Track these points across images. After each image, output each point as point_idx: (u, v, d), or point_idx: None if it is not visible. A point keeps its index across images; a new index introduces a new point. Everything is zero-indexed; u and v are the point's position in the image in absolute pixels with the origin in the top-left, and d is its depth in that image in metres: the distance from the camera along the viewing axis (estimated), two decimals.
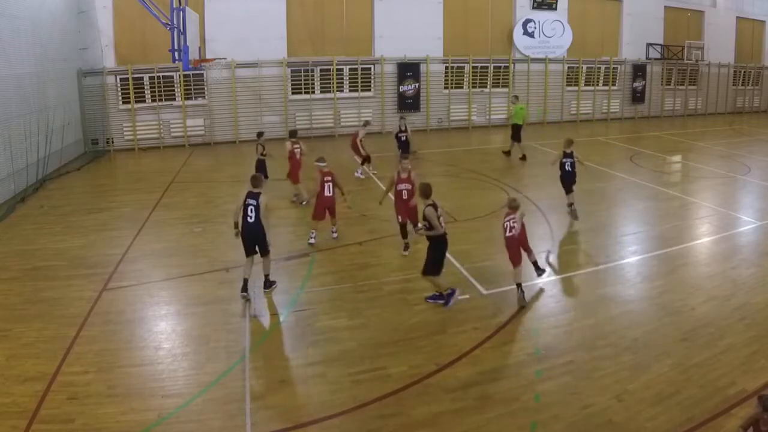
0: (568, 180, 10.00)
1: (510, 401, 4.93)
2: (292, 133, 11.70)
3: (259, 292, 7.11)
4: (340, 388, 5.13)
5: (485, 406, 4.86)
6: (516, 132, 15.83)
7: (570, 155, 9.97)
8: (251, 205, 6.96)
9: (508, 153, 15.99)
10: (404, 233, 8.44)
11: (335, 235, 9.07)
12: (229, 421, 4.68)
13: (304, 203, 10.16)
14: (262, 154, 11.50)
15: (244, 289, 7.02)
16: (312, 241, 8.73)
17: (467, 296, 6.97)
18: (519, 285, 6.89)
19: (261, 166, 11.41)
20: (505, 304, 6.77)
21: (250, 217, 6.96)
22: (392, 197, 8.62)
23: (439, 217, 6.62)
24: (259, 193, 7.05)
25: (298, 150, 11.01)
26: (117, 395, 5.03)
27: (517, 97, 17.47)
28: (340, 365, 5.49)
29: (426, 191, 6.81)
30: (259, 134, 11.98)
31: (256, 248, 7.02)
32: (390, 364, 5.49)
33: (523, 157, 15.48)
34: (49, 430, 4.57)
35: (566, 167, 9.99)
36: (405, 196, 8.29)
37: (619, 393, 5.01)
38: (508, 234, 6.90)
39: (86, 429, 4.59)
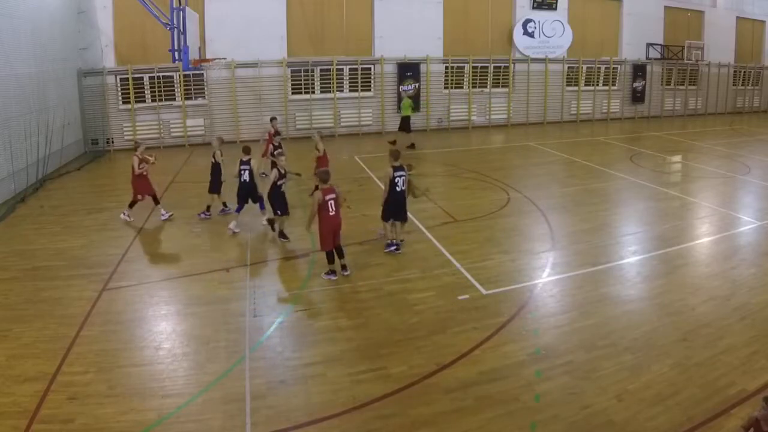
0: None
1: (510, 401, 4.92)
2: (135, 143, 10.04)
3: (259, 293, 7.13)
4: (340, 388, 5.13)
5: (485, 407, 4.85)
6: (405, 123, 17.90)
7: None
8: (245, 169, 9.35)
9: (393, 142, 17.22)
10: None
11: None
12: (229, 421, 4.68)
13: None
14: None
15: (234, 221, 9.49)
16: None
17: (467, 296, 6.97)
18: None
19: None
20: (505, 305, 6.76)
21: (245, 179, 9.35)
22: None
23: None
24: (249, 159, 9.44)
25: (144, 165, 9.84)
26: (117, 395, 5.03)
27: (405, 92, 19.25)
28: (340, 365, 5.49)
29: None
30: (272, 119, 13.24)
31: (249, 200, 9.54)
32: (390, 364, 5.49)
33: (412, 146, 17.15)
34: (49, 429, 4.57)
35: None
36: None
37: (619, 393, 5.00)
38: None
39: (86, 429, 4.59)
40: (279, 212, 8.77)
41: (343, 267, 7.64)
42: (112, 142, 17.70)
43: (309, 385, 5.19)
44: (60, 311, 6.67)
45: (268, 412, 4.79)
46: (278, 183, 8.66)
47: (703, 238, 9.37)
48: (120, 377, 5.33)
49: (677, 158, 16.83)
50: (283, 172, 8.74)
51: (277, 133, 12.58)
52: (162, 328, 6.36)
